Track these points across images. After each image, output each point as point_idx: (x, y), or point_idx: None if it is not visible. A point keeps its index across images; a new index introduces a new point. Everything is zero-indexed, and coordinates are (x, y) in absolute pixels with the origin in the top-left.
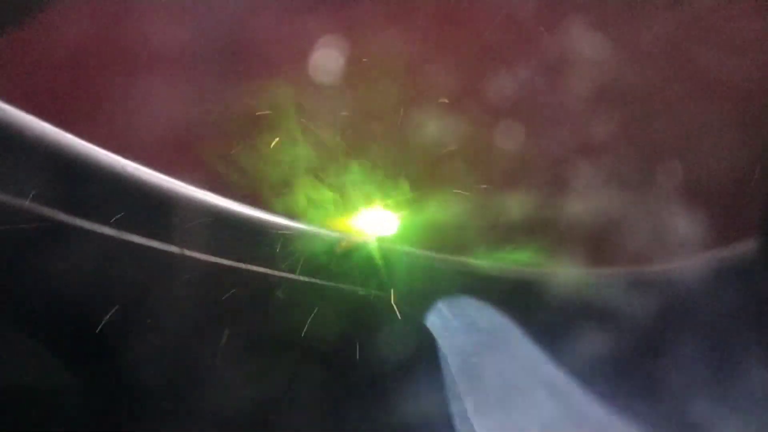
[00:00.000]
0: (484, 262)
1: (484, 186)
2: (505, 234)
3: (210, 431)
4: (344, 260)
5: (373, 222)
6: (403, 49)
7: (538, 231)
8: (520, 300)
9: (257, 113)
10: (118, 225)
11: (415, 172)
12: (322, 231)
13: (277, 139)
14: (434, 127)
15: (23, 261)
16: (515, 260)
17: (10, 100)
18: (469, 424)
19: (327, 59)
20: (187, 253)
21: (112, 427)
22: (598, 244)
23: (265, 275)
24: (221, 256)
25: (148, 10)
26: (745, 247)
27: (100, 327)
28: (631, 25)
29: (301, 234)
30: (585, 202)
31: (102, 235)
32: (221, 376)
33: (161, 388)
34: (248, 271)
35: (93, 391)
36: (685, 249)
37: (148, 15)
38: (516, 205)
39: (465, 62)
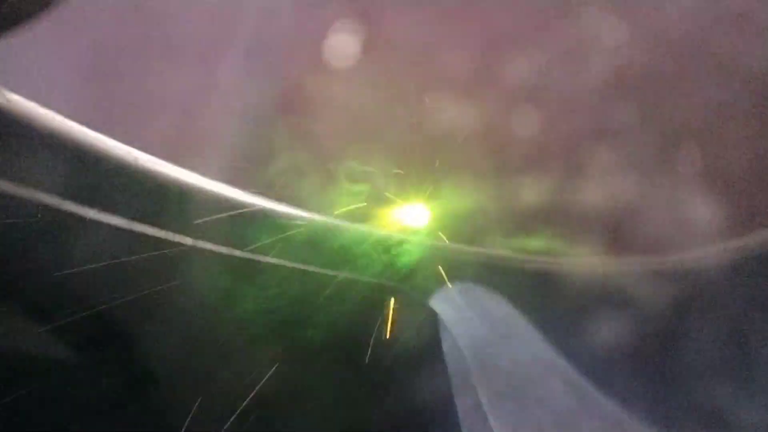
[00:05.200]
0: (500, 251)
1: (501, 173)
2: (522, 222)
3: (222, 419)
4: (358, 250)
5: (387, 211)
6: (421, 35)
7: (555, 219)
8: (535, 289)
9: (274, 104)
10: (130, 216)
11: (430, 159)
12: (337, 222)
13: (292, 129)
14: (450, 114)
15: (35, 252)
16: (531, 249)
17: (25, 92)
18: (483, 416)
19: (344, 47)
20: (200, 244)
21: (123, 415)
22: (615, 232)
23: (278, 266)
24: (233, 248)
25: (164, 3)
26: (766, 236)
27: (111, 319)
28: (651, 9)
29: (315, 225)
30: (603, 189)
31: (114, 227)
32: (233, 366)
33: (172, 378)
34: (261, 262)
35: (105, 380)
36: (704, 237)
37: (165, 7)
38: (533, 192)
39: (482, 47)
